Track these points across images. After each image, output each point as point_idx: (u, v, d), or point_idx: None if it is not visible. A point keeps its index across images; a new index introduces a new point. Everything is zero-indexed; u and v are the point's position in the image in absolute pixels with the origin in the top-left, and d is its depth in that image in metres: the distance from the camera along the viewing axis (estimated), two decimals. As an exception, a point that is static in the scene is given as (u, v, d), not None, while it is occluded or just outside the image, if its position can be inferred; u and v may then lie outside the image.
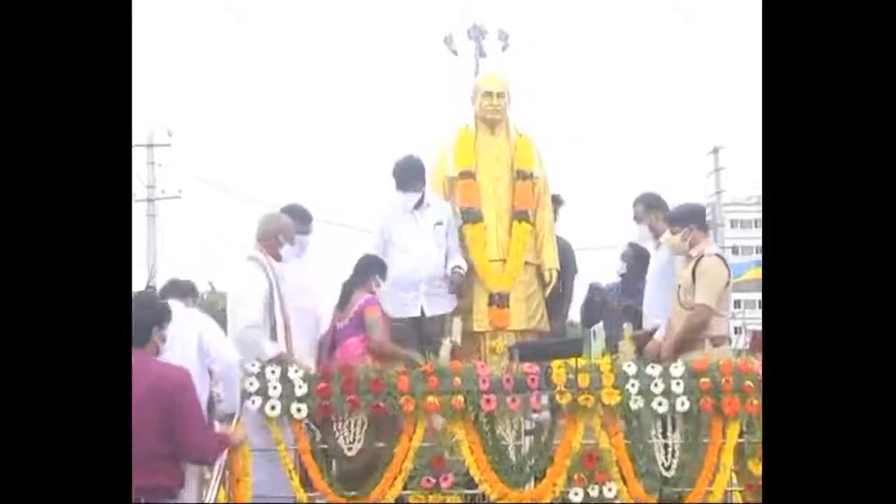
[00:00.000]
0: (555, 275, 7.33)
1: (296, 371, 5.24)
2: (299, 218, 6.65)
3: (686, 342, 6.14)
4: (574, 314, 8.47)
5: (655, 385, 5.25)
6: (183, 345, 5.32)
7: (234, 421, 5.10)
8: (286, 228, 6.24)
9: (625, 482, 5.23)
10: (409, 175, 7.07)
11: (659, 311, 6.76)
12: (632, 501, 5.23)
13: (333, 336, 6.48)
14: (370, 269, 6.62)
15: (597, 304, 7.68)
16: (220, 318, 6.17)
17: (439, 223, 7.01)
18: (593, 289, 7.74)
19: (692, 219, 6.55)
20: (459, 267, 7.00)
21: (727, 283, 6.30)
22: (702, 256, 6.28)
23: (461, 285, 6.99)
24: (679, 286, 6.38)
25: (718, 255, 6.38)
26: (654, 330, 6.70)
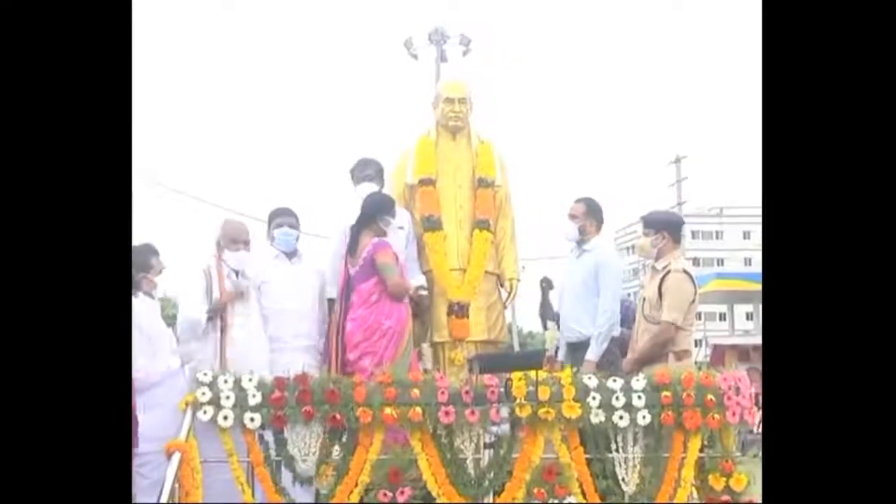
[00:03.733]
0: (515, 285, 7.29)
1: (249, 380, 5.12)
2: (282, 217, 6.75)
3: (651, 357, 6.13)
4: (532, 324, 8.46)
5: (617, 398, 5.19)
6: None
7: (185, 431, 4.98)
8: (226, 235, 6.33)
9: (584, 496, 5.15)
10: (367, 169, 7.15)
11: (587, 321, 6.72)
12: (592, 516, 5.16)
13: (348, 283, 6.53)
14: (375, 209, 6.59)
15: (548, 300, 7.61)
16: (170, 324, 6.14)
17: (401, 228, 6.92)
18: (544, 281, 7.65)
19: (666, 227, 6.53)
20: (424, 288, 6.94)
21: (693, 300, 6.29)
22: (669, 272, 6.27)
23: (427, 308, 6.92)
24: (644, 299, 6.36)
25: (686, 272, 6.37)
26: (581, 341, 6.69)
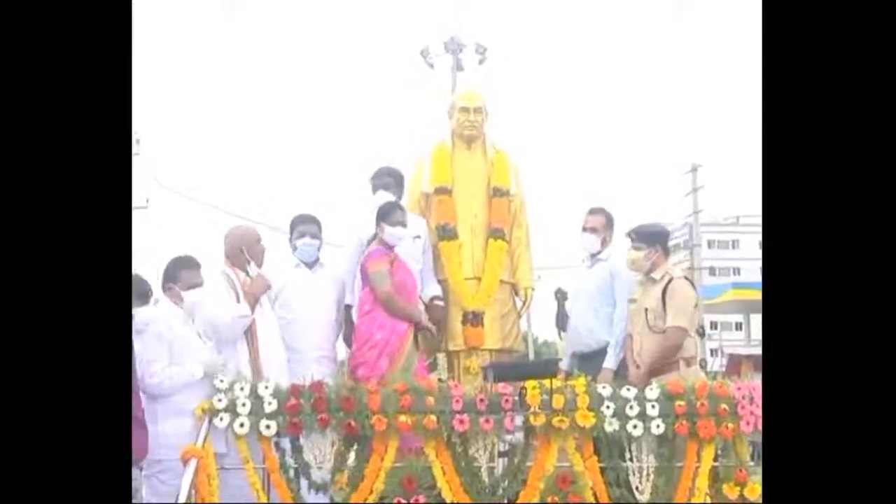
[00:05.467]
0: (530, 294, 7.31)
1: (265, 387, 5.15)
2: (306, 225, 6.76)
3: (662, 365, 6.16)
4: (546, 333, 8.44)
5: (630, 407, 5.20)
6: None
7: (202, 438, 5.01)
8: (233, 243, 6.32)
9: (598, 505, 5.16)
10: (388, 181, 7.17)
11: (600, 331, 6.73)
12: (605, 525, 5.16)
13: None
14: (377, 219, 6.59)
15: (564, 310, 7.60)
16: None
17: (418, 236, 6.95)
18: (559, 292, 7.65)
19: (659, 240, 6.59)
20: (440, 298, 6.95)
21: (696, 305, 6.38)
22: (671, 279, 6.34)
23: (441, 320, 6.92)
24: (645, 310, 6.38)
25: (687, 279, 6.52)
26: (593, 350, 6.70)
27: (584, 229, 6.98)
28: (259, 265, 6.28)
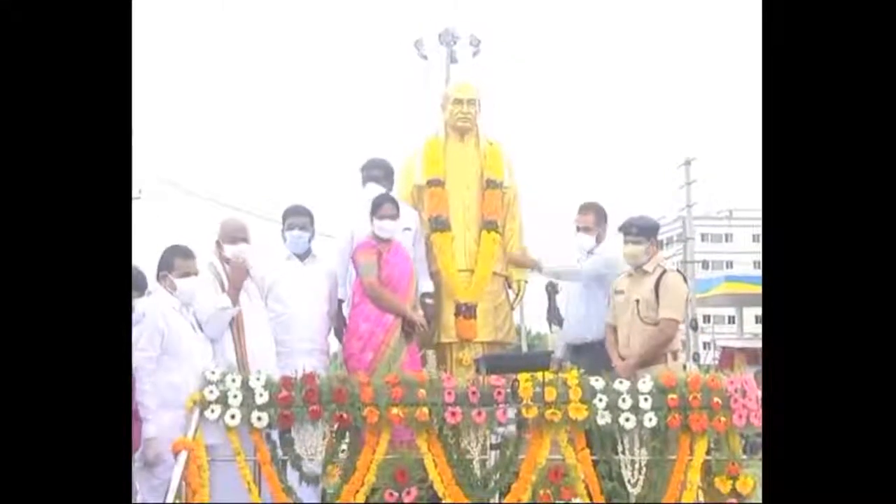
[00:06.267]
0: (523, 286, 7.31)
1: (257, 379, 5.14)
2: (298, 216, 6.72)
3: (652, 357, 6.16)
4: (539, 325, 8.42)
5: (623, 400, 5.19)
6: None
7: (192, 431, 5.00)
8: (225, 234, 6.29)
9: (590, 498, 5.15)
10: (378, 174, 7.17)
11: (593, 323, 6.74)
12: (597, 518, 5.16)
13: None
14: (370, 212, 6.59)
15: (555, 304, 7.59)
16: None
17: (408, 228, 6.93)
18: (549, 286, 7.65)
19: (653, 233, 6.61)
20: (429, 295, 6.94)
21: (687, 299, 6.43)
22: (664, 272, 6.34)
23: (430, 318, 6.88)
24: (637, 301, 6.36)
25: (679, 272, 6.63)
26: (585, 343, 6.70)
27: (578, 229, 6.98)
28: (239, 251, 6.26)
